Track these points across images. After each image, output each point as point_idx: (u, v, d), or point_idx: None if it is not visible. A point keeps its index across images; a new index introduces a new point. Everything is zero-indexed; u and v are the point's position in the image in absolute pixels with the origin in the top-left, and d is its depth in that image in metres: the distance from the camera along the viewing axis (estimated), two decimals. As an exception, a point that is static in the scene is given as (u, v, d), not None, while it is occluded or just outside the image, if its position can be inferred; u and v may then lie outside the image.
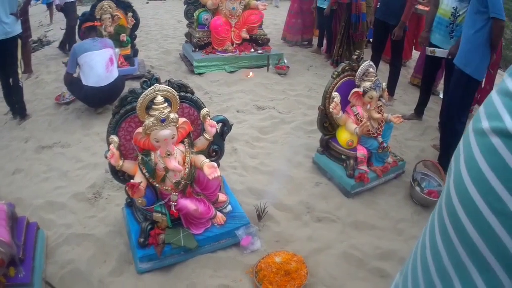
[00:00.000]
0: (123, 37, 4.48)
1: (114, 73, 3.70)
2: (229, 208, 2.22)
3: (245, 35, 4.92)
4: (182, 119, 1.93)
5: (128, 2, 4.64)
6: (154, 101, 1.82)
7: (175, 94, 1.89)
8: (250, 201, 2.47)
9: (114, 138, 1.92)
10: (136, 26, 4.71)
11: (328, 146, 2.81)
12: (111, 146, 1.89)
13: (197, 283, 1.94)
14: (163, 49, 5.89)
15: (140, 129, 1.87)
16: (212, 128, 2.02)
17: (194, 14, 4.90)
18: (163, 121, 1.80)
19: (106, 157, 1.95)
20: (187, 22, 5.26)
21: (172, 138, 1.86)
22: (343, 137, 2.64)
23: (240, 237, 2.09)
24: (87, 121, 3.73)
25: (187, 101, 2.06)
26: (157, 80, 1.93)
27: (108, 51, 3.66)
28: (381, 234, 2.30)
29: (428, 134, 3.60)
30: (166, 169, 1.91)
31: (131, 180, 1.85)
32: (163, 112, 1.80)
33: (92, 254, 2.12)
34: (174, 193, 1.98)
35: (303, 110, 3.93)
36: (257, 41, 5.12)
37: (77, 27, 4.79)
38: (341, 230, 2.33)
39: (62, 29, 6.49)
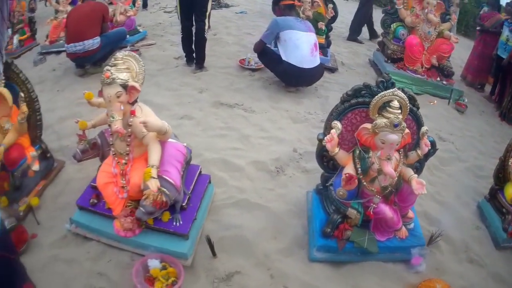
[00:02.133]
0: (321, 25, 4.58)
1: (317, 59, 3.78)
2: (412, 225, 2.25)
3: (434, 61, 4.83)
4: (406, 129, 1.98)
5: (330, -8, 4.75)
6: (391, 104, 1.86)
7: (407, 103, 1.94)
8: (422, 224, 2.47)
9: (338, 124, 2.00)
10: (334, 18, 4.83)
11: (494, 196, 2.75)
12: (333, 131, 1.96)
13: (362, 287, 1.99)
14: (352, 49, 5.96)
15: (368, 125, 1.93)
16: (426, 147, 2.03)
17: (392, 26, 4.90)
18: (396, 125, 1.83)
19: (319, 140, 2.07)
20: (382, 31, 5.27)
21: (397, 144, 1.92)
22: (509, 191, 2.55)
23: (413, 255, 2.11)
24: (275, 94, 3.81)
25: (412, 114, 2.09)
26: (393, 85, 2.00)
27: (313, 36, 3.75)
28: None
29: None
30: (379, 171, 1.94)
31: (347, 172, 1.91)
32: (398, 117, 1.84)
33: (263, 226, 2.18)
34: (377, 196, 2.03)
35: (475, 154, 3.81)
36: (443, 71, 4.96)
37: (272, 2, 5.06)
38: (485, 277, 2.29)
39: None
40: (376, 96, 1.90)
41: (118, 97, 1.80)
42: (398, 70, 4.79)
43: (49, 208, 2.44)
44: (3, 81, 2.39)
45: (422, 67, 4.85)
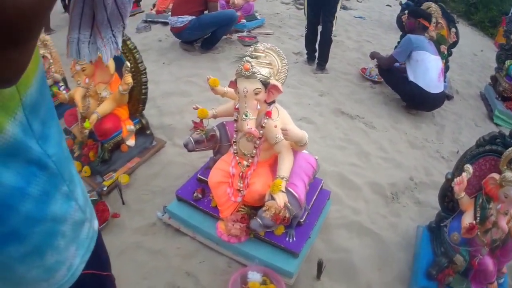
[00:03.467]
0: (444, 49, 4.28)
1: (442, 85, 3.56)
2: (502, 280, 2.12)
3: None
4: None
5: (453, 16, 4.50)
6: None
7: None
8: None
9: (470, 169, 1.88)
10: (455, 44, 4.55)
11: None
12: (464, 175, 1.85)
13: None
14: (464, 77, 5.57)
15: (496, 176, 1.78)
16: None
17: (506, 62, 4.68)
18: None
19: (447, 179, 1.94)
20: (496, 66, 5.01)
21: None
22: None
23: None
24: (395, 113, 3.59)
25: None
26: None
27: (440, 60, 3.55)
28: None
29: None
30: (494, 224, 1.84)
31: (471, 222, 1.78)
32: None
33: (371, 254, 2.07)
34: (486, 247, 1.94)
35: None
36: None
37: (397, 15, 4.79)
38: None
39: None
40: (509, 149, 1.78)
41: (256, 94, 1.63)
42: (507, 110, 4.42)
43: (140, 189, 2.29)
44: None
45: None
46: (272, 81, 1.66)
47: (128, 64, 2.18)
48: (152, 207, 2.16)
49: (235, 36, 4.73)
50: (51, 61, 2.99)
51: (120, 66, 2.24)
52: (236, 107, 1.77)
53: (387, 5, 8.15)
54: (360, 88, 3.97)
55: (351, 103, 3.61)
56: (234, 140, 1.84)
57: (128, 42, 2.27)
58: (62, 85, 3.10)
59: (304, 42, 4.15)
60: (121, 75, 2.26)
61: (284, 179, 1.67)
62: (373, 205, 2.39)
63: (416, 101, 3.58)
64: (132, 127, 2.40)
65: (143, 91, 2.33)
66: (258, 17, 5.41)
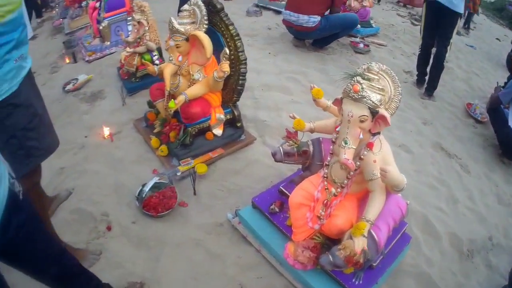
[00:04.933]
0: None
1: None
2: None
3: None
4: None
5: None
6: None
7: None
8: None
9: None
10: None
11: None
12: None
13: None
14: None
15: None
16: None
17: None
18: None
19: None
20: None
21: None
22: None
23: None
24: (490, 160, 3.30)
25: None
26: None
27: None
28: None
29: None
30: None
31: None
32: None
33: None
34: None
35: None
36: None
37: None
38: None
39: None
40: None
41: (362, 121, 1.45)
42: None
43: (216, 183, 2.23)
44: (205, 25, 2.14)
45: None
46: (382, 111, 1.47)
47: (228, 51, 2.08)
48: (224, 205, 2.09)
49: (347, 40, 4.50)
50: (147, 28, 3.00)
51: (219, 50, 2.15)
52: (337, 128, 1.61)
53: (496, 38, 7.64)
54: (463, 124, 3.69)
55: (451, 139, 3.35)
56: (327, 163, 1.69)
57: (231, 28, 2.15)
58: (155, 55, 3.11)
59: (416, 62, 3.96)
60: (218, 60, 2.18)
61: (369, 222, 1.51)
62: (447, 259, 2.17)
63: (510, 150, 3.28)
64: (222, 116, 2.33)
65: (240, 81, 2.23)
66: (373, 24, 5.13)
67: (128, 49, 3.12)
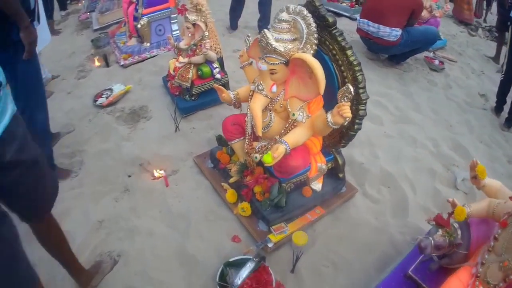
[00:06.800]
0: None
1: None
2: None
3: None
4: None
5: None
6: None
7: None
8: None
9: None
10: None
11: None
12: None
13: None
14: None
15: None
16: None
17: None
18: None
19: None
20: None
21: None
22: None
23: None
24: None
25: None
26: None
27: None
28: None
29: None
30: None
31: None
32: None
33: None
34: None
35: None
36: None
37: None
38: None
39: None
40: None
41: None
42: None
43: (317, 254, 1.66)
44: (315, 45, 1.53)
45: None
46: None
47: (352, 90, 1.44)
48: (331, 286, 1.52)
49: (421, 55, 3.89)
50: (206, 33, 2.38)
51: (330, 82, 1.55)
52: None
53: None
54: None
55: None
56: (483, 262, 1.21)
57: (349, 53, 1.53)
58: (216, 67, 2.50)
59: (498, 89, 3.36)
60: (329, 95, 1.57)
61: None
62: None
63: None
64: (325, 166, 1.72)
65: (355, 126, 1.61)
66: (442, 36, 4.46)
67: (181, 58, 2.51)
